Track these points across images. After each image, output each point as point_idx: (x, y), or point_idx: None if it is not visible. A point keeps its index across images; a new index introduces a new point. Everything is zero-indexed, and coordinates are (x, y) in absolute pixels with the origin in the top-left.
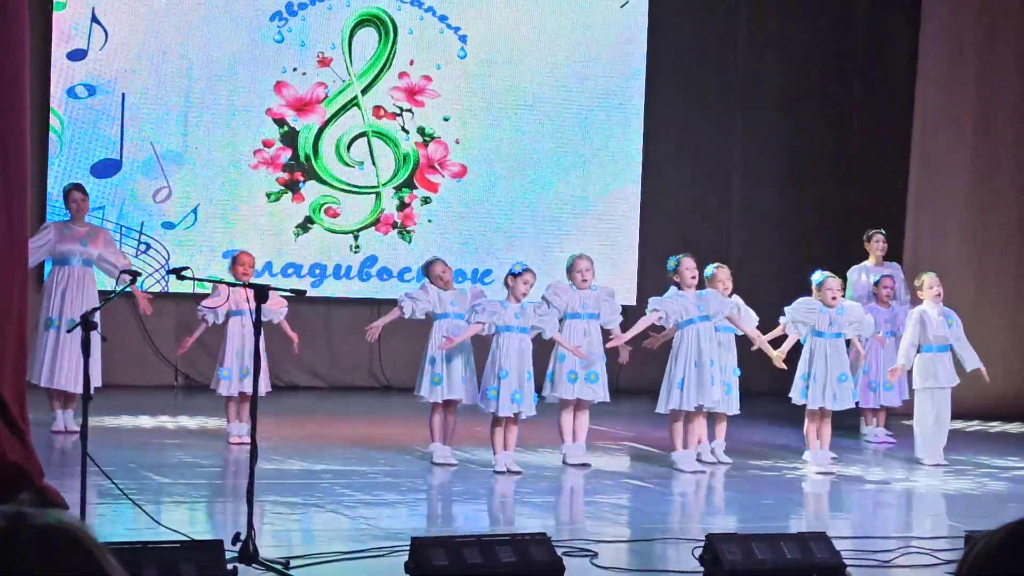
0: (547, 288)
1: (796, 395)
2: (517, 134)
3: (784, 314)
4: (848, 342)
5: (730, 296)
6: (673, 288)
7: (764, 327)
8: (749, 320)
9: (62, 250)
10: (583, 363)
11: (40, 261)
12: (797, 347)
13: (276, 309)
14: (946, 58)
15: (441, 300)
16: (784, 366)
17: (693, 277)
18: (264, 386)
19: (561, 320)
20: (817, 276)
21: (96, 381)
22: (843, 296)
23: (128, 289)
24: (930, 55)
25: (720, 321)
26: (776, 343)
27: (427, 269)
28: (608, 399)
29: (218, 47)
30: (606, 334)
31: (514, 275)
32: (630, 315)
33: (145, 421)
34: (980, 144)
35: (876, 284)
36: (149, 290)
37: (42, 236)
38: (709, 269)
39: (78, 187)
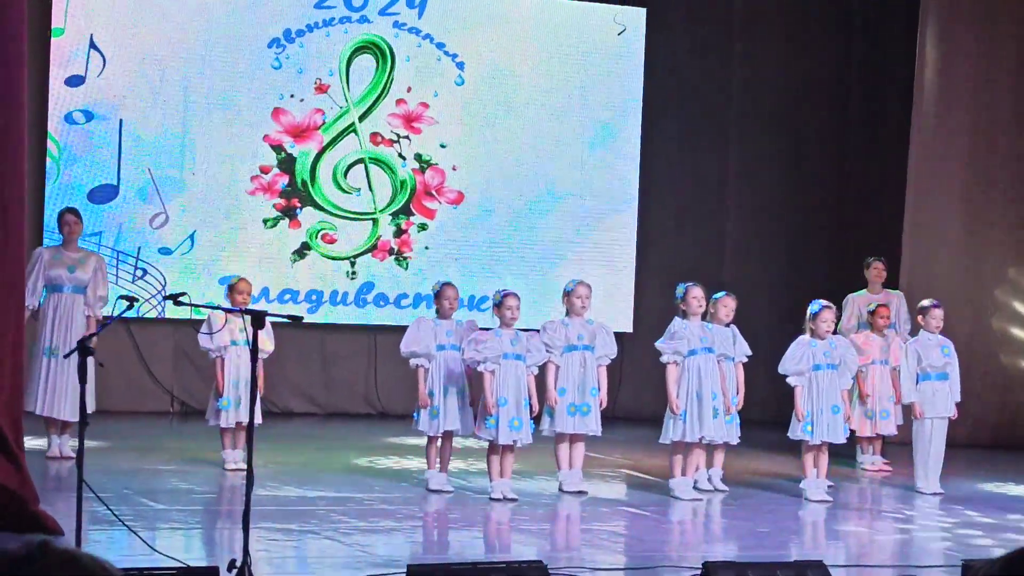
0: (541, 330)
1: (795, 431)
2: (514, 161)
3: (782, 368)
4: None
5: (727, 326)
6: (677, 319)
7: (759, 356)
8: (739, 353)
9: (52, 276)
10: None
11: (40, 288)
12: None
13: (261, 348)
14: (941, 88)
15: (436, 335)
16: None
17: (700, 306)
18: (256, 417)
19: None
20: (814, 306)
21: (90, 407)
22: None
23: (126, 314)
24: (925, 85)
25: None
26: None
27: (440, 291)
28: (599, 432)
29: (216, 73)
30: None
31: (497, 305)
32: (625, 343)
33: (141, 447)
34: (975, 173)
35: (872, 313)
36: (145, 316)
37: (33, 265)
38: (718, 295)
39: (72, 211)
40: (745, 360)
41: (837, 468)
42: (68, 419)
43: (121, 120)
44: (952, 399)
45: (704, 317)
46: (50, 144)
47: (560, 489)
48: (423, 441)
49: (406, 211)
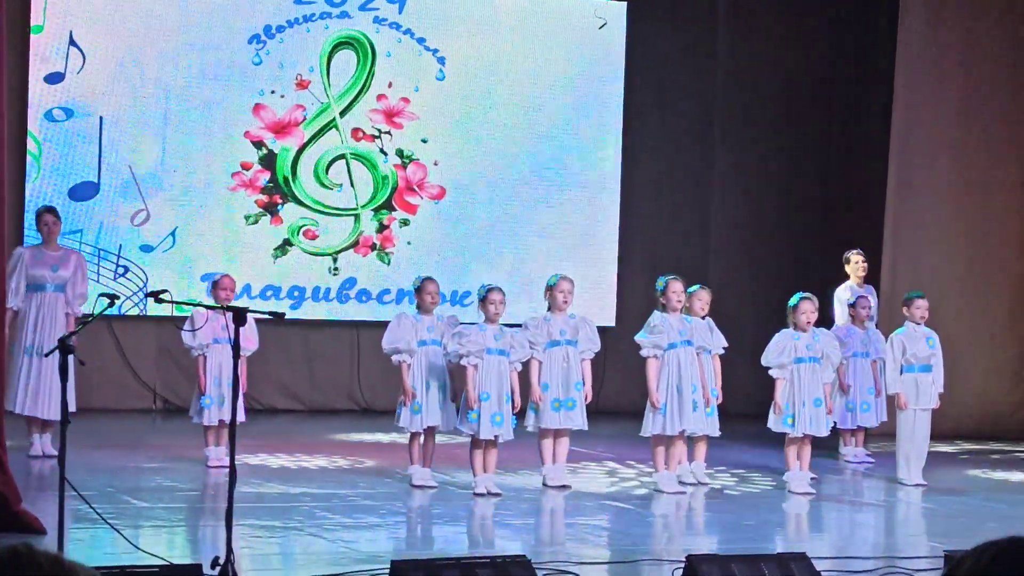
0: (523, 326)
1: (776, 424)
2: (496, 156)
3: (764, 360)
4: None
5: (703, 319)
6: (656, 312)
7: (743, 349)
8: (716, 344)
9: (34, 275)
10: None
11: (23, 289)
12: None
13: (243, 346)
14: (923, 85)
15: (417, 330)
16: None
17: (679, 301)
18: (240, 415)
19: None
20: (793, 299)
21: (71, 406)
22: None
23: (108, 312)
24: (907, 83)
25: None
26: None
27: (421, 286)
28: (585, 427)
29: (196, 69)
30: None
31: (482, 300)
32: (608, 337)
33: (123, 445)
34: (954, 171)
35: (853, 305)
36: (127, 313)
37: (15, 266)
38: (693, 288)
39: (50, 210)
40: (722, 352)
41: (820, 460)
42: (50, 418)
43: (101, 117)
44: (936, 390)
45: (680, 310)
46: (30, 142)
47: (544, 484)
48: (406, 437)
49: (388, 206)
